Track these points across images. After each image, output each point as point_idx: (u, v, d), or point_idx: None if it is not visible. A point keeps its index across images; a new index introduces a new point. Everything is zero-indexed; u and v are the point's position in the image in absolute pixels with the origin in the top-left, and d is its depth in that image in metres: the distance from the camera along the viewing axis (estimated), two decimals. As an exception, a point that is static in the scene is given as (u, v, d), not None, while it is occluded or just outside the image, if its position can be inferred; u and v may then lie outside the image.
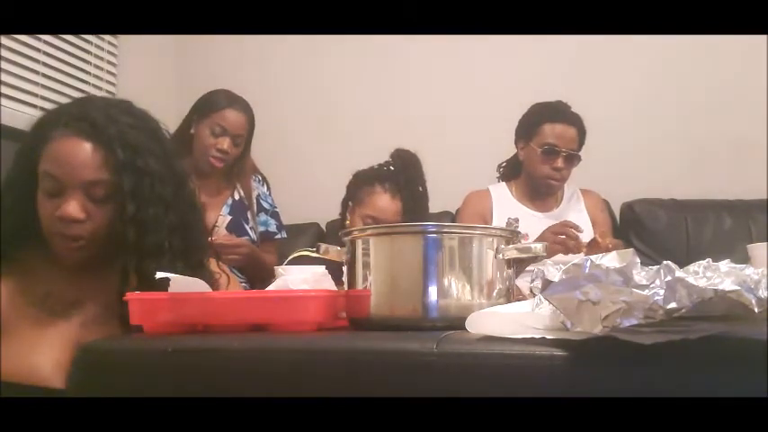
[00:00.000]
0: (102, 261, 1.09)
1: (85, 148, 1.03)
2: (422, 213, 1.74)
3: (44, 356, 1.02)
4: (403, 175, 1.74)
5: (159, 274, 0.89)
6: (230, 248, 2.04)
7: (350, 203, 1.82)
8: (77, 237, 1.04)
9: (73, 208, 1.02)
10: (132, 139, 1.06)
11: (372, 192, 1.75)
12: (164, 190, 1.07)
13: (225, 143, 2.10)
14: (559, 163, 2.08)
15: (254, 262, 2.13)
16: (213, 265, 1.19)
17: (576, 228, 1.82)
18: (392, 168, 1.78)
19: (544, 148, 2.08)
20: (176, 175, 1.11)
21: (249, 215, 2.21)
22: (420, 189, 1.76)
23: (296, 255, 1.73)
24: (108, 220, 1.05)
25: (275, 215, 2.30)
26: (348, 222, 1.81)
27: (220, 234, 2.12)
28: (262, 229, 2.24)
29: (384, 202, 1.72)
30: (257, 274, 2.13)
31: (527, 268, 0.74)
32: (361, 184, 1.79)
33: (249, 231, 2.19)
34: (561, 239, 1.79)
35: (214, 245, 2.00)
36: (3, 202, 1.10)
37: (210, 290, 0.98)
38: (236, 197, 2.21)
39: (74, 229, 1.03)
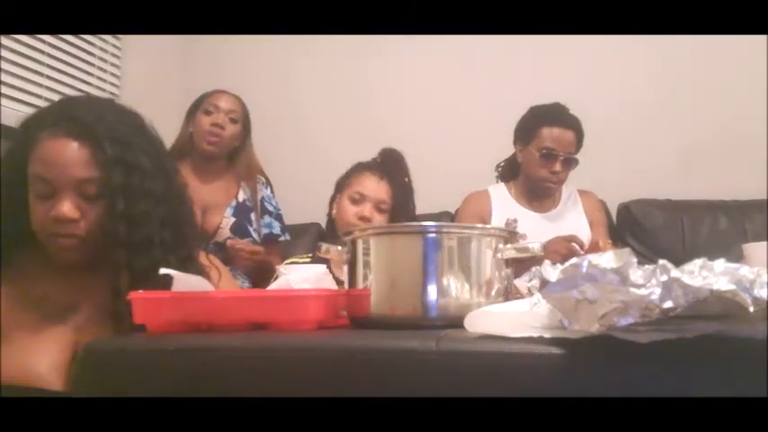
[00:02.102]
0: (96, 261, 1.08)
1: (74, 146, 1.03)
2: (408, 201, 1.79)
3: (41, 360, 1.01)
4: (390, 166, 1.79)
5: (162, 271, 0.89)
6: (247, 254, 2.07)
7: (337, 196, 1.84)
8: (72, 236, 1.03)
9: (67, 208, 1.02)
10: (120, 134, 1.06)
11: (360, 174, 1.79)
12: (153, 184, 1.07)
13: (219, 118, 2.17)
14: (557, 167, 2.09)
15: (265, 268, 2.15)
16: (203, 258, 1.19)
17: (582, 246, 1.83)
18: (378, 160, 1.82)
19: (542, 152, 2.08)
20: (165, 169, 1.12)
21: (253, 217, 2.22)
22: (406, 180, 1.79)
23: (287, 263, 1.74)
24: (101, 217, 1.04)
25: (279, 218, 2.31)
26: (334, 212, 1.82)
27: (223, 235, 2.13)
28: (266, 231, 2.25)
29: (372, 182, 1.76)
30: (263, 277, 2.14)
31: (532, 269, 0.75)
32: (349, 174, 1.83)
33: (252, 233, 2.20)
34: (566, 246, 1.81)
35: (232, 248, 2.00)
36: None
37: (213, 289, 0.99)
38: (241, 199, 2.22)
39: (68, 228, 1.02)
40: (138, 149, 1.06)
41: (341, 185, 1.83)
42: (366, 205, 1.72)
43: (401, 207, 1.76)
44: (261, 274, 2.14)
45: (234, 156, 2.25)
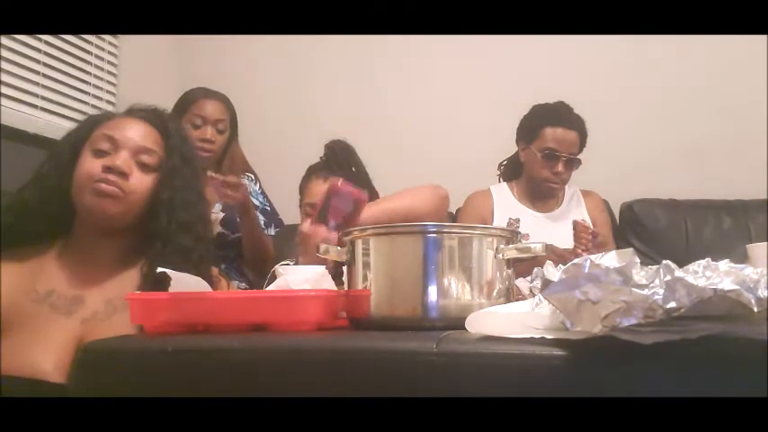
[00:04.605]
0: (106, 255, 1.12)
1: (145, 125, 1.17)
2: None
3: (46, 353, 1.03)
4: (334, 161, 1.78)
5: (160, 270, 0.89)
6: (231, 186, 2.01)
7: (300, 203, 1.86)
8: (117, 187, 1.09)
9: (122, 160, 1.11)
10: (184, 137, 1.22)
11: (308, 182, 1.81)
12: (199, 185, 1.21)
13: (207, 132, 2.13)
14: (560, 167, 2.07)
15: (250, 216, 2.10)
16: (214, 272, 1.22)
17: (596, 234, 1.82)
18: (323, 158, 1.82)
19: (544, 152, 2.07)
20: (201, 189, 1.24)
21: None
22: (354, 170, 1.79)
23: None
24: (146, 189, 1.13)
25: (265, 212, 2.29)
26: (301, 221, 1.84)
27: (214, 231, 2.11)
28: None
29: (318, 187, 1.76)
30: (255, 241, 2.11)
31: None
32: (302, 182, 1.84)
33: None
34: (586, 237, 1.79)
35: (211, 179, 1.98)
36: (26, 193, 1.15)
37: (211, 289, 0.98)
38: None
39: (116, 182, 1.09)
40: (193, 157, 1.22)
41: (300, 194, 1.85)
42: None
43: None
44: (244, 216, 2.10)
45: (221, 155, 2.23)
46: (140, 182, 1.12)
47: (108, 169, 1.09)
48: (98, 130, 1.15)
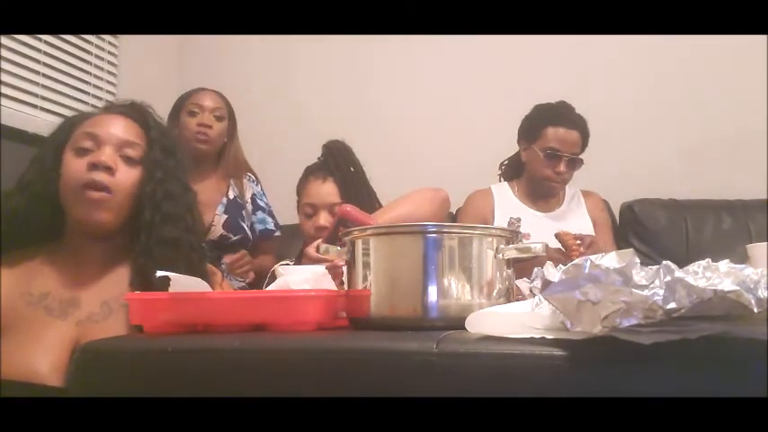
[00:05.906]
0: (99, 255, 1.12)
1: (126, 119, 1.17)
2: (357, 189, 1.77)
3: (42, 355, 1.02)
4: (332, 161, 1.79)
5: (159, 273, 0.89)
6: (239, 262, 2.09)
7: (298, 204, 1.87)
8: (104, 188, 1.08)
9: (107, 155, 1.10)
10: (164, 129, 1.22)
11: (306, 182, 1.81)
12: (183, 176, 1.21)
13: (204, 118, 2.16)
14: (561, 167, 2.07)
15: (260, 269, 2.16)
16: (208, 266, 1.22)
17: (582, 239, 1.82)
18: (321, 159, 1.83)
19: (546, 152, 2.07)
20: (187, 181, 1.24)
21: (244, 213, 2.21)
22: (352, 169, 1.79)
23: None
24: (133, 184, 1.12)
25: (271, 213, 2.31)
26: (300, 222, 1.84)
27: (216, 233, 2.12)
28: (260, 227, 2.25)
29: (316, 187, 1.77)
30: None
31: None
32: (300, 182, 1.85)
33: (246, 230, 2.19)
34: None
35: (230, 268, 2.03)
36: (12, 201, 1.14)
37: (211, 289, 0.98)
38: (231, 196, 2.21)
39: (102, 177, 1.08)
40: (175, 149, 1.21)
41: (298, 194, 1.85)
42: (320, 215, 1.73)
43: (352, 199, 1.74)
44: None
45: (222, 152, 2.23)
46: (126, 176, 1.12)
47: (93, 166, 1.09)
48: (78, 129, 1.14)
